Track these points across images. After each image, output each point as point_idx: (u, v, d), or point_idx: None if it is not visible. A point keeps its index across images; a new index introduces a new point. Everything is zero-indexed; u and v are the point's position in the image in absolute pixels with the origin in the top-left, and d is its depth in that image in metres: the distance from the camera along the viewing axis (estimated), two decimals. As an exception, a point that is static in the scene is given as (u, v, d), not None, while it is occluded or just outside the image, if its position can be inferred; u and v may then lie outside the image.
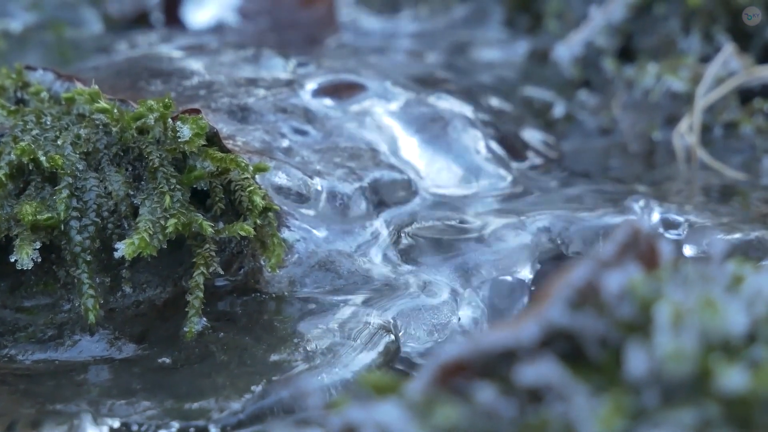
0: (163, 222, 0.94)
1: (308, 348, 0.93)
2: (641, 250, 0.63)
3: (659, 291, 0.59)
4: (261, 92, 1.17)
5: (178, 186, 0.96)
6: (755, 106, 1.33)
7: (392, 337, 0.95)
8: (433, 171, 1.15)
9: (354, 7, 1.72)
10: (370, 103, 1.19)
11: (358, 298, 0.99)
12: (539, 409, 0.55)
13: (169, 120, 0.97)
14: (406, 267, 1.03)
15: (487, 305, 1.02)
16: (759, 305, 0.59)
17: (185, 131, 0.96)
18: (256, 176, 0.99)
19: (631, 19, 1.47)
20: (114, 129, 0.98)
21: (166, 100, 0.97)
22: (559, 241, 1.07)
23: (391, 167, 1.12)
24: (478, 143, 1.19)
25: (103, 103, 0.98)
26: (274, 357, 0.92)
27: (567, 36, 1.50)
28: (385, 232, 1.07)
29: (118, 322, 0.97)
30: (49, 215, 0.94)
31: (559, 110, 1.41)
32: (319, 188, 1.06)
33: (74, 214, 0.94)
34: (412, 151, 1.16)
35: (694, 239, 1.08)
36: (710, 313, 0.57)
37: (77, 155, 0.96)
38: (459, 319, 1.00)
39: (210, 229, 0.95)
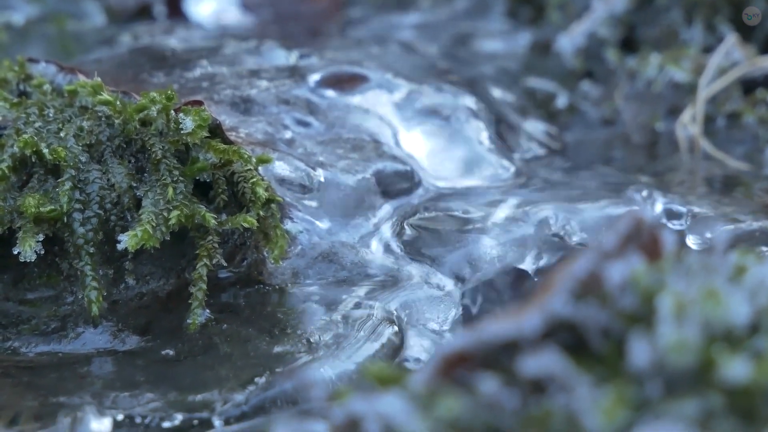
0: (166, 214, 0.94)
1: (311, 339, 0.93)
2: (644, 240, 0.63)
3: (662, 282, 0.59)
4: (264, 84, 1.17)
5: (180, 178, 0.96)
6: (758, 96, 1.32)
7: (395, 328, 0.95)
8: (436, 162, 1.15)
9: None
10: (372, 94, 1.19)
11: (362, 290, 0.99)
12: (542, 400, 0.55)
13: (172, 112, 0.97)
14: (409, 258, 1.03)
15: (490, 296, 1.02)
16: (762, 296, 0.59)
17: (188, 123, 0.96)
18: (259, 168, 0.99)
19: (634, 9, 1.46)
20: (117, 121, 0.98)
21: (169, 92, 0.97)
22: (561, 232, 1.07)
23: (394, 158, 1.12)
24: (480, 134, 1.18)
25: (105, 95, 0.98)
26: (277, 348, 0.92)
27: (569, 27, 1.50)
28: (388, 224, 1.07)
29: (121, 314, 0.97)
30: (52, 207, 0.94)
31: (561, 101, 1.41)
32: (322, 179, 1.06)
33: (77, 206, 0.94)
34: (414, 142, 1.16)
35: (697, 230, 1.08)
36: (713, 303, 0.57)
37: (80, 147, 0.96)
38: (462, 310, 1.00)
39: (213, 221, 0.95)
